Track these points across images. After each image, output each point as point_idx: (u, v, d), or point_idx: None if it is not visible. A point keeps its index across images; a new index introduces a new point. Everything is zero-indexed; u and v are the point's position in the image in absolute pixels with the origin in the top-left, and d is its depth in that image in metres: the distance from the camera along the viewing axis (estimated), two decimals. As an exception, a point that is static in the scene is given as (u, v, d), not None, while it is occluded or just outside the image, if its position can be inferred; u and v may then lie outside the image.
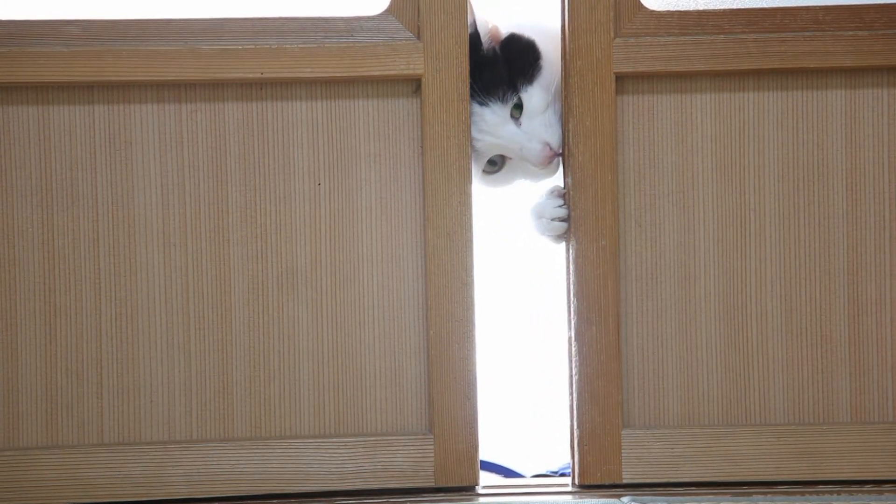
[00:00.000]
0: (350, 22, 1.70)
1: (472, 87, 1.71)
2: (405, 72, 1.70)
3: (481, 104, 1.75)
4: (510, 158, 1.81)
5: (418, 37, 1.70)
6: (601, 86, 1.71)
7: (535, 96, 1.77)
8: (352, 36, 1.70)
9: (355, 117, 1.72)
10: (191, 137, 1.71)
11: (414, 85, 1.72)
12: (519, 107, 1.77)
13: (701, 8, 1.75)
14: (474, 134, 1.75)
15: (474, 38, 1.73)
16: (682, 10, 1.74)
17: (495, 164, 1.82)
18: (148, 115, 1.70)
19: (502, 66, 1.77)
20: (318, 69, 1.69)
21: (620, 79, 1.72)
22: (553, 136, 1.76)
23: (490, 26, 1.79)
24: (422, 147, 1.71)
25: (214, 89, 1.70)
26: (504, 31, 1.81)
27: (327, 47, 1.69)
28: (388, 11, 1.71)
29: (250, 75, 1.69)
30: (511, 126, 1.77)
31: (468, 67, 1.70)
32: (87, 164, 1.69)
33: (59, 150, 1.69)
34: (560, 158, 1.77)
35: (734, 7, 1.74)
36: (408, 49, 1.70)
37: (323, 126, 1.72)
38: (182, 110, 1.70)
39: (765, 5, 1.75)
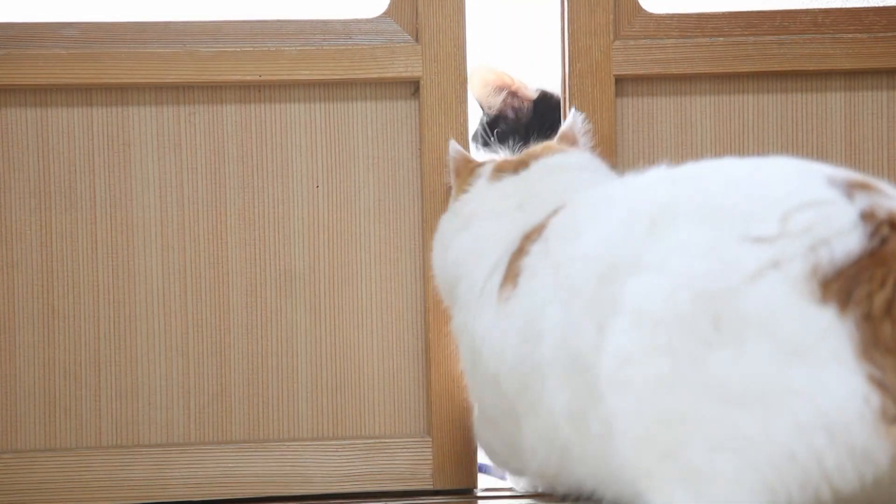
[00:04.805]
0: (348, 24, 1.70)
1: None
2: (403, 74, 1.70)
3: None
4: None
5: (417, 39, 1.70)
6: (601, 88, 1.71)
7: None
8: (350, 38, 1.70)
9: (353, 120, 1.72)
10: (189, 140, 1.70)
11: (412, 87, 1.71)
12: None
13: (700, 10, 1.74)
14: None
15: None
16: (682, 12, 1.73)
17: None
18: (146, 118, 1.70)
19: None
20: (317, 71, 1.69)
21: (620, 81, 1.71)
22: None
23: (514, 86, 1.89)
24: (420, 149, 1.70)
25: (213, 91, 1.70)
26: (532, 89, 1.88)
27: (325, 49, 1.69)
28: (387, 14, 1.71)
29: (249, 77, 1.69)
30: None
31: (467, 70, 1.70)
32: (86, 166, 1.69)
33: (57, 153, 1.69)
34: None
35: (733, 10, 1.74)
36: (406, 51, 1.70)
37: (321, 128, 1.72)
38: (180, 112, 1.70)
39: (764, 8, 1.74)
